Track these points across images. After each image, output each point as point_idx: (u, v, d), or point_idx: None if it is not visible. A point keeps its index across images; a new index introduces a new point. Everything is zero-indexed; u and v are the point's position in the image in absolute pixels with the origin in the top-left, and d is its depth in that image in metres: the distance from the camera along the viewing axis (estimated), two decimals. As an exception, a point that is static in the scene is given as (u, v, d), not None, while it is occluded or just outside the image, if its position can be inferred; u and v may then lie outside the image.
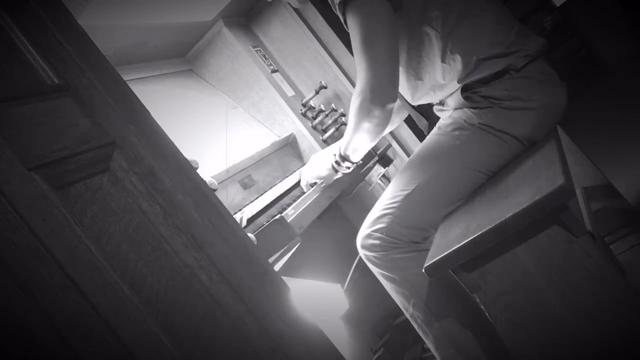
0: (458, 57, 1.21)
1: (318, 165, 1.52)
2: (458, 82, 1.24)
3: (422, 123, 1.44)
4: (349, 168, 1.45)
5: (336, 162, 1.43)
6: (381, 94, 1.18)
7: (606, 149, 2.20)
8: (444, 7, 1.21)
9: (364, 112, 1.21)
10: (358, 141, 1.32)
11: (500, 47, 1.20)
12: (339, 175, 1.50)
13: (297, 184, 1.69)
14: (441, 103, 1.34)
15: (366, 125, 1.24)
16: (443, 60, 1.23)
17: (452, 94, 1.28)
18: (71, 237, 0.66)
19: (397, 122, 1.60)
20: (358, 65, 1.19)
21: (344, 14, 1.20)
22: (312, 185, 1.56)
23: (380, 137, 1.33)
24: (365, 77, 1.18)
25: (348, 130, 1.31)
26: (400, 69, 1.30)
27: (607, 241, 1.55)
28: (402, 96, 1.41)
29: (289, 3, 1.53)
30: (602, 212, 1.52)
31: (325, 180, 1.51)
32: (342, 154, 1.40)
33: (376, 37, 1.15)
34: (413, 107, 1.42)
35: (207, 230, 0.87)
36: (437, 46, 1.23)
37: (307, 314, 0.95)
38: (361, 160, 1.46)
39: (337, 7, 1.21)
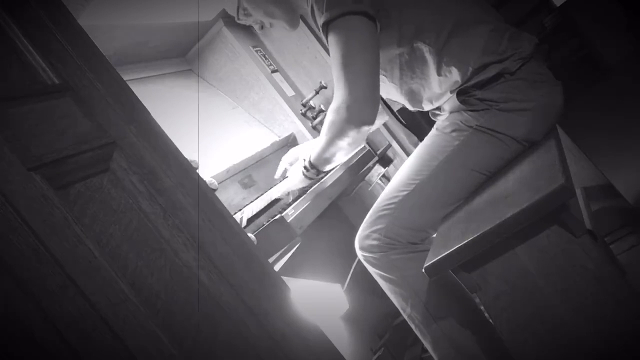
0: (454, 69, 1.21)
1: (291, 175, 1.49)
2: (451, 92, 1.24)
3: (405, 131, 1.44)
4: (318, 175, 1.43)
5: (305, 167, 1.41)
6: (358, 116, 1.17)
7: (606, 149, 2.20)
8: (436, 22, 1.20)
9: (338, 131, 1.21)
10: (329, 155, 1.31)
11: (494, 55, 1.20)
12: (309, 182, 1.46)
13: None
14: (438, 108, 1.34)
15: (339, 142, 1.24)
16: (439, 74, 1.23)
17: (448, 99, 1.28)
18: (71, 237, 0.66)
19: (377, 125, 1.58)
20: (336, 84, 1.18)
21: (326, 34, 1.19)
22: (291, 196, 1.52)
23: (354, 152, 1.31)
24: (343, 97, 1.16)
25: (320, 143, 1.30)
26: (394, 84, 1.31)
27: (607, 241, 1.55)
28: (384, 100, 1.39)
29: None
30: (602, 212, 1.52)
31: (296, 187, 1.48)
32: (312, 162, 1.38)
33: (356, 59, 1.14)
34: (394, 115, 1.42)
35: (207, 230, 0.87)
36: (431, 60, 1.22)
37: (307, 314, 0.95)
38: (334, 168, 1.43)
39: (320, 28, 1.20)
